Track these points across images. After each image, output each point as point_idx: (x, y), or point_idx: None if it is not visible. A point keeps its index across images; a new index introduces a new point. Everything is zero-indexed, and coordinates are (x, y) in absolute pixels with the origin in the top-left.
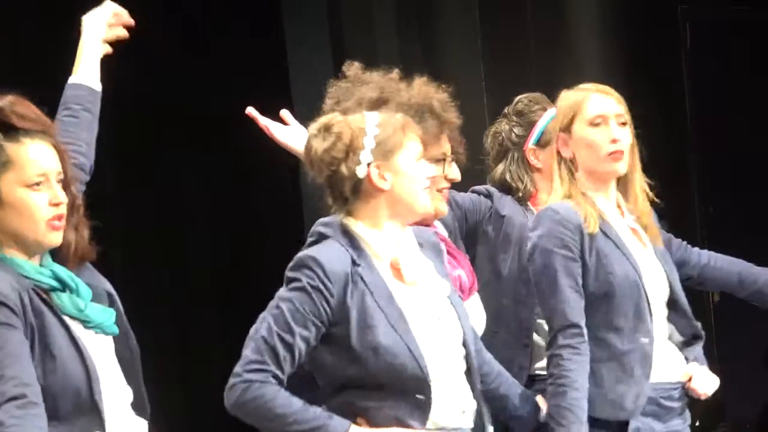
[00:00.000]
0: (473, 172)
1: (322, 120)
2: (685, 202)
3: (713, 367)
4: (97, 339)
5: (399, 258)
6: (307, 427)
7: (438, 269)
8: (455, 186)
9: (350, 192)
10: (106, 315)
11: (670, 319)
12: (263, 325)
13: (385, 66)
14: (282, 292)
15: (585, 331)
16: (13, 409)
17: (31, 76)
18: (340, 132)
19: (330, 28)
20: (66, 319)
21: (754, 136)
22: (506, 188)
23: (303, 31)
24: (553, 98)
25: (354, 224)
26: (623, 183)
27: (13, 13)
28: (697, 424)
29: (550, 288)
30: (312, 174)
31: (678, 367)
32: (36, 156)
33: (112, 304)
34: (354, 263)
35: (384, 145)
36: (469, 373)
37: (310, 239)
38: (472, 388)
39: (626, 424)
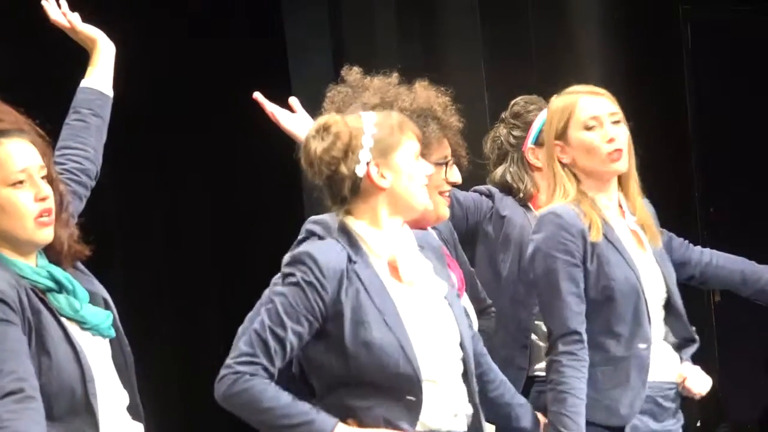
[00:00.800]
0: (475, 176)
1: (320, 120)
2: (685, 203)
3: (714, 367)
4: (94, 341)
5: (397, 256)
6: (295, 421)
7: (438, 271)
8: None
9: (349, 191)
10: (103, 317)
11: (665, 321)
12: (256, 318)
13: (385, 67)
14: (277, 287)
15: (585, 337)
16: (11, 404)
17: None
18: (339, 132)
19: (330, 29)
20: (63, 319)
21: (755, 137)
22: (507, 189)
23: (303, 31)
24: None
25: (353, 222)
26: (622, 180)
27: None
28: (699, 424)
29: (551, 293)
30: (311, 174)
31: (673, 367)
32: (15, 154)
33: (107, 310)
34: (350, 260)
35: (382, 144)
36: (465, 375)
37: (300, 237)
38: (469, 392)
39: (621, 428)
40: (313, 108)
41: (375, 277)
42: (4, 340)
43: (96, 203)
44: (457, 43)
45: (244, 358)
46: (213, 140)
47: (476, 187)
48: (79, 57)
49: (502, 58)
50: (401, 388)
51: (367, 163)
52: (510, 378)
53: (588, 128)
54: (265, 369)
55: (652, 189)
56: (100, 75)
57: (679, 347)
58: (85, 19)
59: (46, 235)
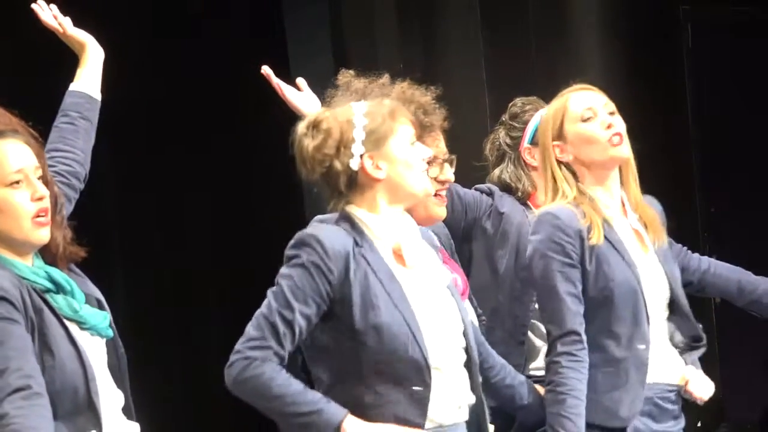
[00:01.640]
0: (475, 177)
1: (310, 118)
2: (686, 203)
3: (715, 368)
4: (93, 341)
5: (401, 242)
6: (306, 409)
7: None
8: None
9: (346, 186)
10: (100, 317)
11: (671, 320)
12: (264, 302)
13: (385, 67)
14: (282, 269)
15: (584, 338)
16: (18, 400)
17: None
18: (329, 128)
19: (331, 29)
20: (63, 319)
21: (756, 137)
22: (506, 188)
23: (303, 31)
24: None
25: (355, 210)
26: (622, 176)
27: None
28: (699, 424)
29: (549, 294)
30: (305, 173)
31: (675, 369)
32: (11, 154)
33: (102, 310)
34: (356, 244)
35: (374, 134)
36: (468, 364)
37: None
38: (472, 381)
39: (622, 430)
40: None
41: (381, 261)
42: (9, 339)
43: (96, 203)
44: (457, 43)
45: (253, 343)
46: (213, 140)
47: (477, 186)
48: (67, 59)
49: (502, 58)
50: (409, 376)
51: (361, 156)
52: None
53: (584, 120)
54: (276, 353)
55: (652, 189)
56: (88, 78)
57: (685, 349)
58: (84, 22)
59: (43, 235)
